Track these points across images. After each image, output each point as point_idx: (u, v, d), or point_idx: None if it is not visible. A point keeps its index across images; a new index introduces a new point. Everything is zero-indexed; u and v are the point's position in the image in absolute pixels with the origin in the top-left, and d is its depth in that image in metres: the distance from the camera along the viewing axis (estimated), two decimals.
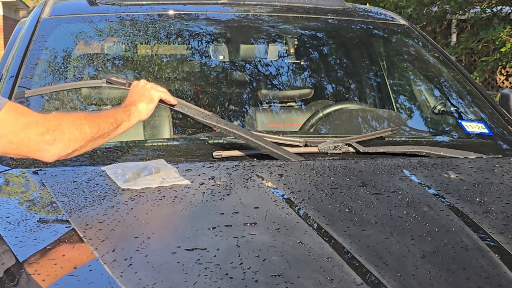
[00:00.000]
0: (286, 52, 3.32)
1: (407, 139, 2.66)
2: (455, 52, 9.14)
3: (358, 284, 1.38)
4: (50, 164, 1.89)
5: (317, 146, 2.25)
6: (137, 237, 1.56)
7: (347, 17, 3.21)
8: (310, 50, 3.59)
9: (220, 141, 2.29)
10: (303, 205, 1.74)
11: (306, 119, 2.89)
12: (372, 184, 1.92)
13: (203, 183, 1.87)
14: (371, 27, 3.28)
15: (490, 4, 8.85)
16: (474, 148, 2.43)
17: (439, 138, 2.76)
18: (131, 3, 2.97)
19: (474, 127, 2.63)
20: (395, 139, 2.53)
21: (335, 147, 2.25)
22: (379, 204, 1.78)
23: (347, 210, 1.72)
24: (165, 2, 3.03)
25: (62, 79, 2.63)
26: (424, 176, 2.01)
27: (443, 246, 1.56)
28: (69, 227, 1.61)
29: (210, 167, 2.02)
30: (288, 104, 3.26)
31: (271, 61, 3.30)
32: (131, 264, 1.43)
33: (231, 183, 1.89)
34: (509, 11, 8.97)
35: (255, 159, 2.14)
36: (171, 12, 2.99)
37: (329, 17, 3.21)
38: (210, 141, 2.32)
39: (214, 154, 2.17)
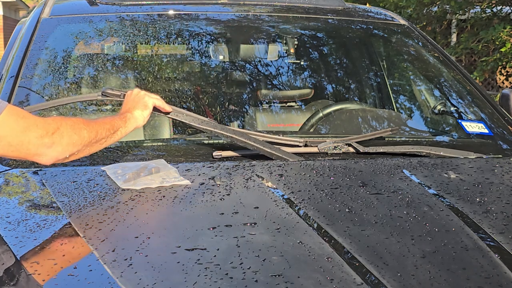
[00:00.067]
0: (286, 52, 3.32)
1: (407, 139, 2.66)
2: (455, 52, 9.13)
3: (358, 284, 1.38)
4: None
5: (317, 146, 2.25)
6: (137, 237, 1.56)
7: (347, 17, 3.21)
8: (310, 50, 3.58)
9: (220, 141, 2.29)
10: (303, 205, 1.74)
11: (306, 119, 2.89)
12: (372, 184, 1.92)
13: (203, 183, 1.87)
14: (371, 27, 3.28)
15: (490, 4, 8.85)
16: (474, 148, 2.43)
17: (439, 138, 2.76)
18: (131, 3, 2.97)
19: (474, 127, 2.63)
20: (395, 139, 2.53)
21: (335, 147, 2.25)
22: (379, 204, 1.77)
23: (347, 210, 1.72)
24: (165, 2, 3.03)
25: (62, 79, 2.64)
26: (424, 176, 2.01)
27: (443, 246, 1.56)
28: (69, 227, 1.62)
29: (210, 167, 2.02)
30: (288, 104, 3.26)
31: (271, 61, 3.30)
32: (131, 264, 1.43)
33: (231, 183, 1.89)
34: (509, 11, 8.96)
35: (255, 159, 2.14)
36: (171, 12, 2.99)
37: (329, 17, 3.21)
38: (210, 141, 2.32)
39: (214, 154, 2.17)
